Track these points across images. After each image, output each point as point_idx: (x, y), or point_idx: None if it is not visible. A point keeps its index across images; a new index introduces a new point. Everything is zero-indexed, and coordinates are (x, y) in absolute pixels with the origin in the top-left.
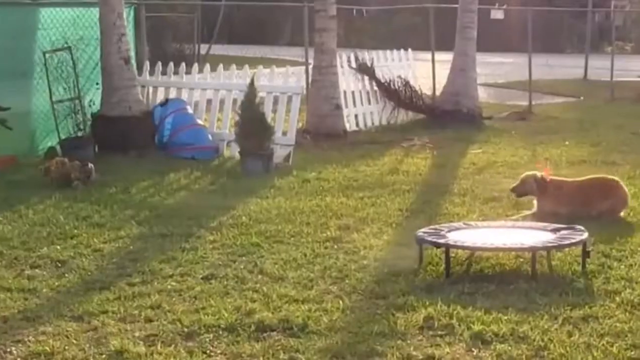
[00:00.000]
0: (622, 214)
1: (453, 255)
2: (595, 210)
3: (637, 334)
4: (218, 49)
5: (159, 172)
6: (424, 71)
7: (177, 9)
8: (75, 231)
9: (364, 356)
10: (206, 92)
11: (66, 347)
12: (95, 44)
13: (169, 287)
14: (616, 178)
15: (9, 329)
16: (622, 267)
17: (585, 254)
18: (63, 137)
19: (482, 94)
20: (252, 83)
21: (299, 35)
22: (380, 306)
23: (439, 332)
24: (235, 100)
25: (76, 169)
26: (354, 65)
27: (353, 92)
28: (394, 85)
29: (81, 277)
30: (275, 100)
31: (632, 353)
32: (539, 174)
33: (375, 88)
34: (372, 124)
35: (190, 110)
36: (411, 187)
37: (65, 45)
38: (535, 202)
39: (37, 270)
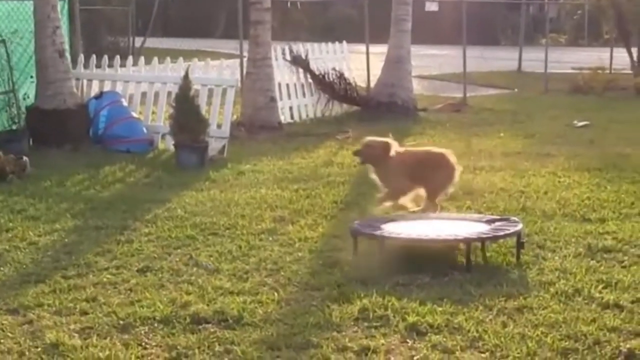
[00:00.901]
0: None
1: (388, 246)
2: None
3: (571, 324)
4: (153, 42)
5: (94, 165)
6: (359, 64)
7: (112, 1)
8: (10, 224)
9: (300, 348)
10: (141, 85)
11: (1, 340)
12: (30, 37)
13: (105, 279)
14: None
15: None
16: (556, 258)
17: (520, 245)
18: None
19: (417, 86)
20: (186, 76)
21: (233, 28)
22: (316, 298)
23: (374, 324)
24: (169, 93)
25: (11, 163)
26: (288, 57)
27: (288, 85)
28: (328, 77)
29: (16, 270)
30: (210, 93)
31: (566, 343)
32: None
33: (310, 80)
34: (307, 116)
35: (125, 103)
36: (346, 179)
37: None
38: (374, 174)
39: None
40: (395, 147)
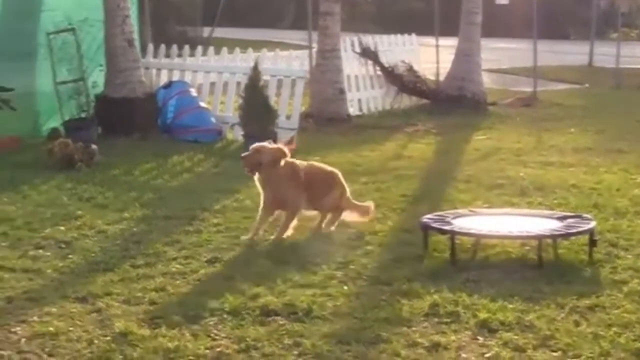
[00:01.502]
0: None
1: (458, 242)
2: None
3: None
4: (221, 32)
5: (162, 154)
6: (429, 56)
7: None
8: (79, 212)
9: (369, 342)
10: (210, 75)
11: (70, 328)
12: (99, 26)
13: (173, 269)
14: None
15: (13, 309)
16: (630, 256)
17: (592, 242)
18: (66, 118)
19: (487, 80)
20: (256, 66)
21: (302, 19)
22: (385, 292)
23: (445, 320)
24: (239, 83)
25: (79, 151)
26: (357, 49)
27: (357, 77)
28: (397, 70)
29: (85, 258)
30: (279, 84)
31: None
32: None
33: (379, 73)
34: (376, 108)
35: (193, 92)
36: (415, 172)
37: (69, 27)
38: (259, 182)
39: (41, 251)
40: (288, 156)
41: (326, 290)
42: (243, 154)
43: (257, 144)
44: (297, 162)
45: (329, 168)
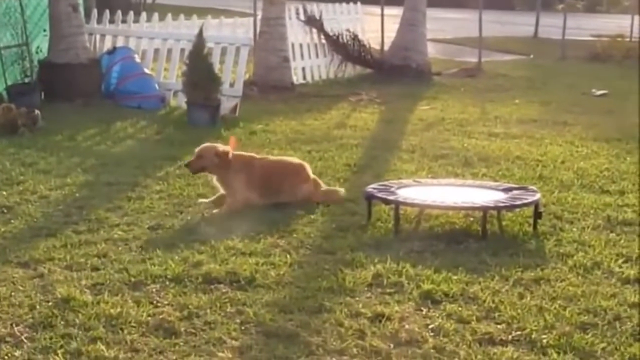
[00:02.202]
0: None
1: (402, 212)
2: (287, 196)
3: (590, 298)
4: None
5: (105, 120)
6: (373, 26)
7: None
8: (21, 177)
9: (312, 312)
10: (154, 42)
11: (12, 293)
12: None
13: (116, 236)
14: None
15: None
16: (575, 229)
17: (537, 214)
18: (10, 83)
19: (431, 50)
20: (200, 33)
21: None
22: (328, 262)
23: (388, 290)
24: (182, 50)
25: (23, 116)
26: (302, 17)
27: (301, 45)
28: (342, 38)
29: (27, 223)
30: (223, 52)
31: (585, 317)
32: (220, 146)
33: (324, 41)
34: (320, 77)
35: (137, 59)
36: (359, 142)
37: None
38: (216, 182)
39: None
40: (230, 152)
41: (269, 259)
42: (186, 162)
43: (199, 148)
44: (257, 157)
45: (297, 161)
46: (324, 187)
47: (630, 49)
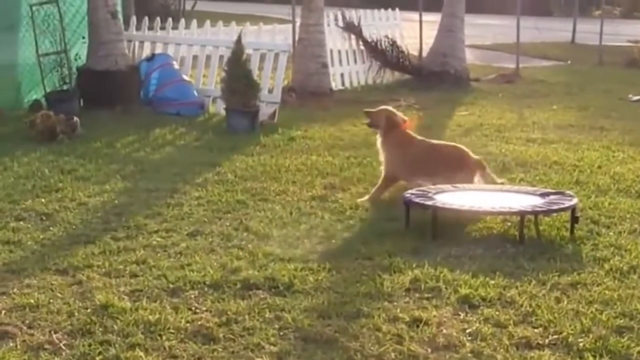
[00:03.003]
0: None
1: (440, 217)
2: (442, 180)
3: (626, 302)
4: (204, 5)
5: (144, 127)
6: (412, 32)
7: None
8: (60, 184)
9: (350, 317)
10: (192, 48)
11: (51, 300)
12: None
13: (154, 242)
14: (465, 148)
15: None
16: (611, 234)
17: (574, 219)
18: (49, 90)
19: (470, 56)
20: (239, 40)
21: None
22: (367, 267)
23: (426, 295)
24: (221, 57)
25: (61, 123)
26: (341, 24)
27: (340, 51)
28: (380, 45)
29: (66, 230)
30: (262, 58)
31: (621, 321)
32: (398, 114)
33: (362, 47)
34: (359, 83)
35: (176, 65)
36: None
37: None
38: (379, 145)
39: (21, 222)
40: (400, 124)
41: (307, 265)
42: (367, 109)
43: (381, 107)
44: (418, 138)
45: (457, 147)
46: (491, 174)
47: None
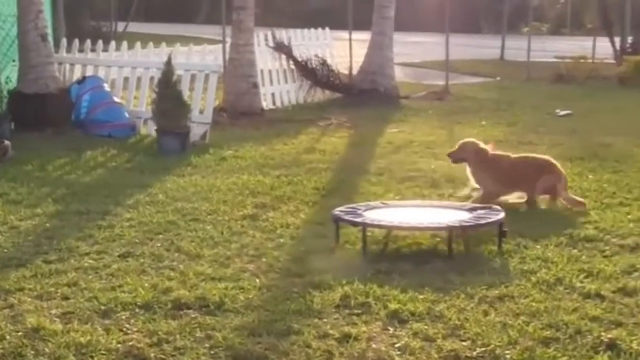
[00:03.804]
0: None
1: (370, 234)
2: (533, 191)
3: (553, 313)
4: (135, 27)
5: (76, 149)
6: (342, 51)
7: None
8: None
9: (281, 334)
10: (123, 70)
11: None
12: (13, 21)
13: (86, 265)
14: (547, 159)
15: None
16: (538, 247)
17: (502, 233)
18: None
19: (400, 74)
20: (169, 61)
21: (216, 13)
22: (297, 285)
23: (356, 311)
24: (152, 79)
25: None
26: (271, 44)
27: (270, 71)
28: (311, 64)
29: None
30: (193, 79)
31: (548, 333)
32: (481, 144)
33: (293, 67)
34: (290, 102)
35: (107, 88)
36: (328, 166)
37: None
38: (470, 173)
39: None
40: (487, 151)
41: (238, 284)
42: (449, 152)
43: (463, 142)
44: (503, 154)
45: (541, 157)
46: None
47: (593, 70)
